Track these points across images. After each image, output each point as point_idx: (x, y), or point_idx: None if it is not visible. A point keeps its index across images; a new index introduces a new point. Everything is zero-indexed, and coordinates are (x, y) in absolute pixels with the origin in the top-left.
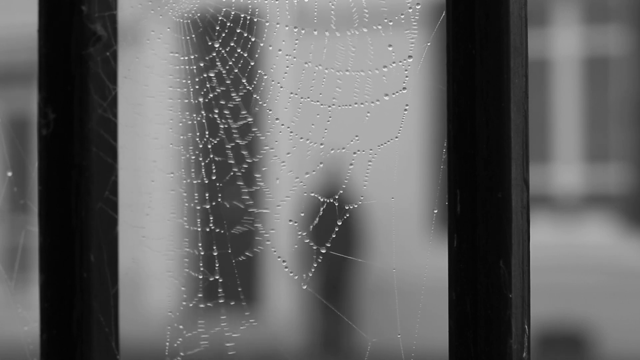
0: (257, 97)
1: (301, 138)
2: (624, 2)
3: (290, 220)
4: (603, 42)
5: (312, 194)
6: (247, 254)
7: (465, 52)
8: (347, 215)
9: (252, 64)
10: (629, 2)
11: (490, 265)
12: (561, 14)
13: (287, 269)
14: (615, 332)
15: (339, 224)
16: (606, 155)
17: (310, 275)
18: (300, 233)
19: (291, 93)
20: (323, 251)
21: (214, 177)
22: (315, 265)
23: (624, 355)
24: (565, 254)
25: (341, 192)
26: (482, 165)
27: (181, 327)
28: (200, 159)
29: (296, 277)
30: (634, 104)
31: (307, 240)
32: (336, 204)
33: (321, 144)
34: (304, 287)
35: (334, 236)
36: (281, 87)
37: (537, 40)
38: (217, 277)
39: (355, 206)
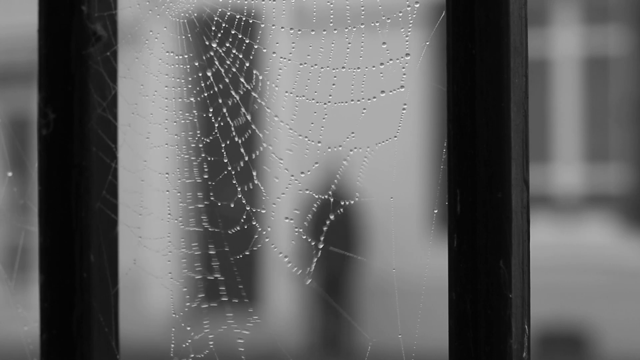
0: (255, 96)
1: (300, 136)
2: (624, 2)
3: (286, 218)
4: (603, 42)
5: (308, 191)
6: (247, 252)
7: (465, 52)
8: (341, 210)
9: (247, 64)
10: (629, 2)
11: (490, 265)
12: (561, 14)
13: (290, 264)
14: (615, 332)
15: (332, 217)
16: (606, 155)
17: (311, 270)
18: (297, 229)
19: (286, 92)
20: (321, 246)
21: (214, 176)
22: (315, 259)
23: (624, 355)
24: (565, 254)
25: (334, 188)
26: (482, 165)
27: (188, 328)
28: (202, 156)
29: (299, 273)
30: (634, 104)
31: (305, 237)
32: (331, 200)
33: (319, 142)
34: (308, 283)
35: (325, 228)
36: (276, 87)
37: (537, 40)
38: (216, 276)
39: (352, 202)
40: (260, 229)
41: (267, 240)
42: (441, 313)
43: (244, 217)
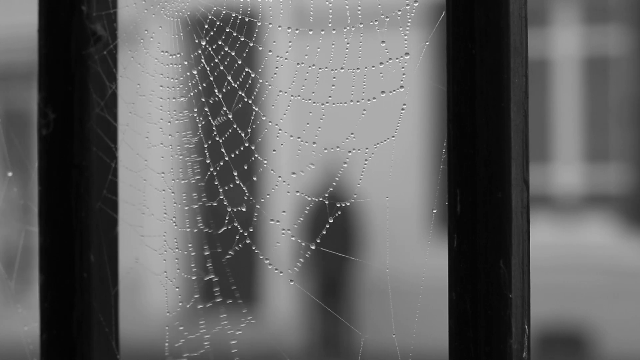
0: (242, 94)
1: (298, 138)
2: (624, 2)
3: (271, 220)
4: (603, 42)
5: (300, 194)
6: (231, 253)
7: (465, 52)
8: (339, 213)
9: (239, 62)
10: (629, 2)
11: (490, 265)
12: (561, 14)
13: (270, 266)
14: (615, 332)
15: (330, 221)
16: (606, 155)
17: (297, 270)
18: (283, 230)
19: (280, 91)
20: (312, 247)
21: (204, 176)
22: (301, 260)
23: (624, 355)
24: (565, 254)
25: (331, 189)
26: (482, 165)
27: (181, 327)
28: (194, 156)
29: (281, 274)
30: (634, 104)
31: (294, 238)
32: (327, 202)
33: (314, 143)
34: (292, 283)
35: (324, 232)
36: (270, 86)
37: (537, 40)
38: (212, 277)
39: (348, 204)
40: (241, 231)
41: (247, 242)
42: (440, 313)
43: (227, 218)
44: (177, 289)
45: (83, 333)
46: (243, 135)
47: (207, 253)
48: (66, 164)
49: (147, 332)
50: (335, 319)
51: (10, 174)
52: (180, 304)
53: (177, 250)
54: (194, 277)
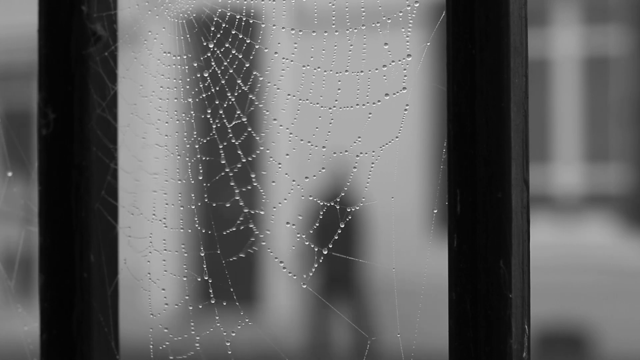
0: (253, 98)
1: (301, 140)
2: (624, 2)
3: (287, 223)
4: (603, 42)
5: (312, 198)
6: (241, 254)
7: (465, 52)
8: (349, 217)
9: (247, 65)
10: (629, 2)
11: (490, 265)
12: (561, 14)
13: (285, 269)
14: (615, 332)
15: (342, 226)
16: (606, 155)
17: (311, 275)
18: (299, 235)
19: (288, 95)
20: (325, 252)
21: (210, 177)
22: (315, 265)
23: (624, 355)
24: (565, 254)
25: (343, 194)
26: (482, 165)
27: (166, 329)
28: (198, 157)
29: (295, 277)
30: (634, 104)
31: (307, 242)
32: (337, 207)
33: (323, 147)
34: (304, 286)
35: (335, 237)
36: (278, 89)
37: (537, 40)
38: (208, 278)
39: (357, 208)
40: (257, 232)
41: (263, 244)
42: (441, 313)
43: (242, 219)
44: (187, 288)
45: (83, 333)
46: (257, 138)
47: (202, 254)
48: (66, 164)
49: (147, 332)
50: (336, 319)
51: (10, 174)
52: (206, 303)
53: (184, 251)
54: (206, 278)
